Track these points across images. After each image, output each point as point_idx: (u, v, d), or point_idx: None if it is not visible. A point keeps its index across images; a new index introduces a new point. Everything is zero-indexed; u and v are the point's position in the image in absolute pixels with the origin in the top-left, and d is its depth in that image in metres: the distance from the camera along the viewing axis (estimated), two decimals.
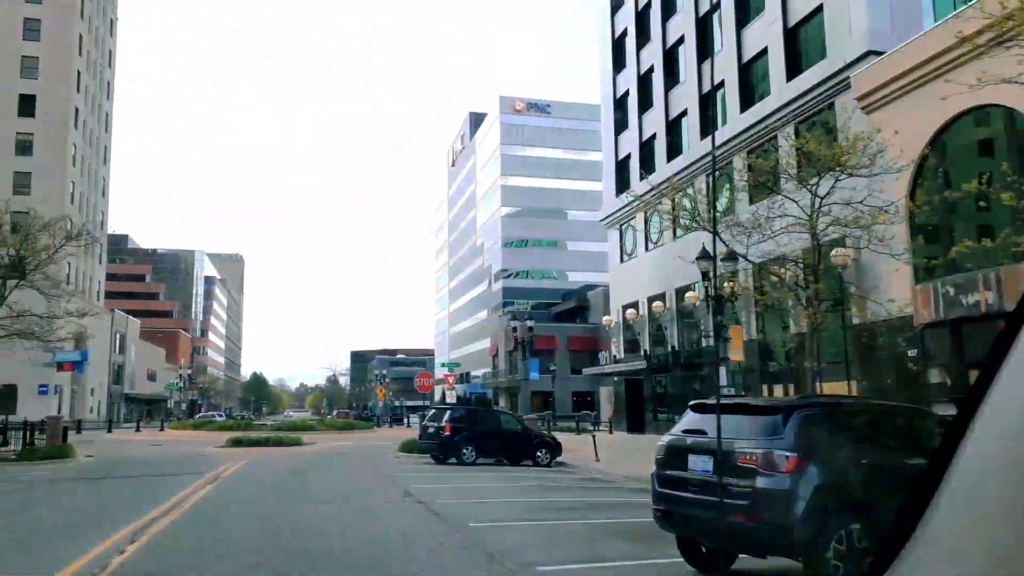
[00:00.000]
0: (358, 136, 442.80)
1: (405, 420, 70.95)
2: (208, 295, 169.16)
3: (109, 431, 55.33)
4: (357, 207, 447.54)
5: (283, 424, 45.83)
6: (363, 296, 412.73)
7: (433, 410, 26.08)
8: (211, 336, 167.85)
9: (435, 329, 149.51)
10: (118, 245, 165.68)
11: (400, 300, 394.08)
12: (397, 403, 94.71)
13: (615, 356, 39.18)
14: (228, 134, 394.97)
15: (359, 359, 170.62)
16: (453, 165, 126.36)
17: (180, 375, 72.35)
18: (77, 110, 69.75)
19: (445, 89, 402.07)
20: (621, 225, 39.32)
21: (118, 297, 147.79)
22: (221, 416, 77.62)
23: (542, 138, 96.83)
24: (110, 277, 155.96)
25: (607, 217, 41.17)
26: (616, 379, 40.30)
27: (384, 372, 77.88)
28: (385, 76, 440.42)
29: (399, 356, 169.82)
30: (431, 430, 23.59)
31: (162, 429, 53.07)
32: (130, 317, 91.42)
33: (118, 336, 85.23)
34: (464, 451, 22.36)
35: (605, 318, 40.06)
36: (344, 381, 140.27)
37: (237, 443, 32.49)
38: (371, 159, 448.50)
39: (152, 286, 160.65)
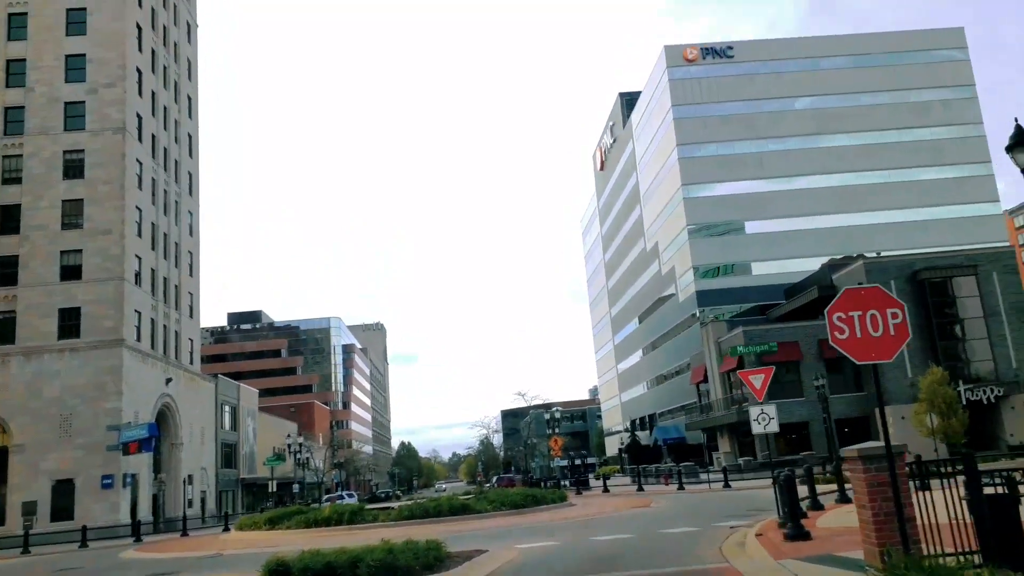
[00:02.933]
0: (487, 186, 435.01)
1: (603, 483, 49.20)
2: (348, 364, 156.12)
3: (184, 533, 37.20)
4: (492, 263, 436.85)
5: (417, 507, 24.96)
6: (510, 353, 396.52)
7: None
8: (354, 408, 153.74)
9: (597, 371, 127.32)
10: (251, 321, 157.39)
11: (550, 352, 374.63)
12: (573, 462, 73.17)
13: None
14: (350, 204, 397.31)
15: (511, 417, 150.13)
16: (602, 168, 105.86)
17: (290, 448, 54.09)
18: (140, 118, 54.85)
19: (572, 99, 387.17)
20: None
21: (254, 376, 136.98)
22: (348, 497, 59.08)
23: (726, 90, 74.25)
24: (247, 356, 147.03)
25: None
26: None
27: (557, 417, 56.77)
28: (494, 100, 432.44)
29: (555, 409, 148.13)
30: None
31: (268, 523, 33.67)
32: (243, 385, 75.57)
33: (227, 409, 69.09)
34: None
35: None
36: (497, 440, 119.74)
37: None
38: (503, 208, 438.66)
39: (289, 360, 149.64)
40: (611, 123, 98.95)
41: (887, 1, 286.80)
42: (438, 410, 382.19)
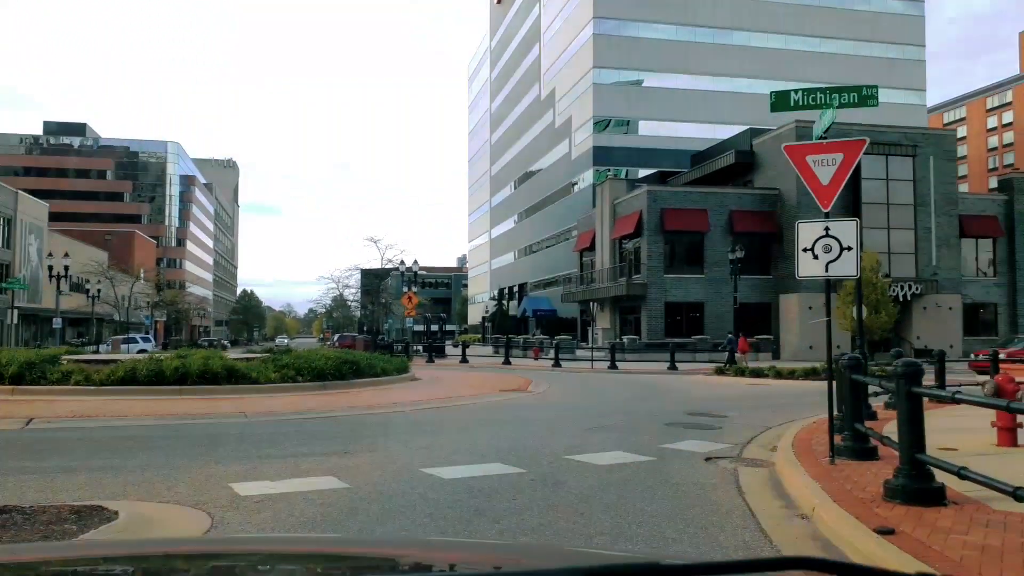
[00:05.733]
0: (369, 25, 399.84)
1: (462, 351, 40.47)
2: (186, 198, 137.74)
3: None
4: (372, 119, 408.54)
5: (151, 366, 14.49)
6: (381, 217, 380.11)
7: None
8: (191, 246, 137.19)
9: (468, 235, 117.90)
10: (73, 134, 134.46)
11: (422, 218, 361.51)
12: (429, 325, 64.45)
13: None
14: (222, 30, 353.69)
15: (373, 277, 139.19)
16: (499, 1, 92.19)
17: (62, 272, 41.48)
18: None
19: None
20: None
21: (72, 198, 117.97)
22: (144, 342, 47.86)
23: None
24: (67, 173, 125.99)
25: None
26: None
27: (415, 271, 47.13)
28: None
29: (414, 263, 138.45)
30: None
31: None
32: (22, 194, 60.08)
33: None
34: None
35: None
36: (351, 294, 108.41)
37: None
38: (385, 59, 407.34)
39: (116, 184, 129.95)
40: None
41: None
42: (300, 266, 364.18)
